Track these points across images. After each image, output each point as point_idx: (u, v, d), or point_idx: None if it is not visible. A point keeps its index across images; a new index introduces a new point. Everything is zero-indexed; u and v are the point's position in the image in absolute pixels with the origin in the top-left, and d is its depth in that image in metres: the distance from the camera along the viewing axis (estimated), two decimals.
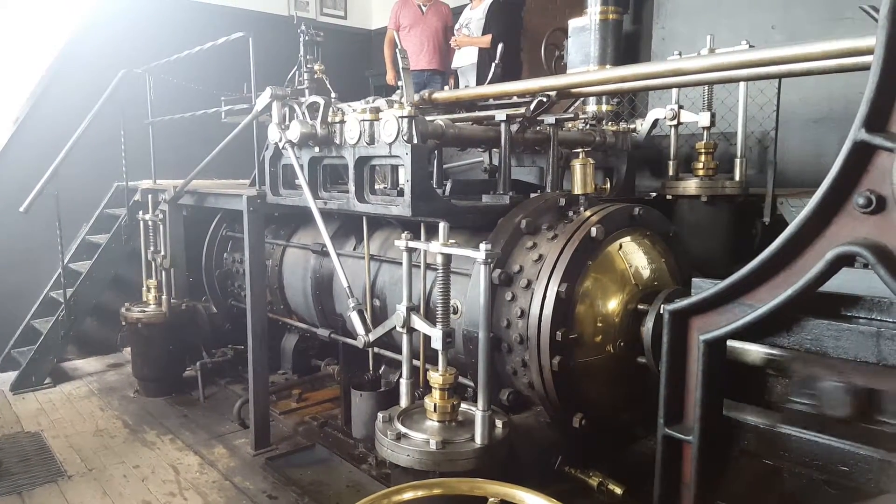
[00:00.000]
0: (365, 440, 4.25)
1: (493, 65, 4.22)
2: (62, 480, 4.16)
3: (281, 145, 3.97)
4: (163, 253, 5.60)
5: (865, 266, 1.77)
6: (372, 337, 3.41)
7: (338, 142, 3.75)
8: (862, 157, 1.75)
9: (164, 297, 5.63)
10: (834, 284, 1.90)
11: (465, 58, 7.51)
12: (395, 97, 3.52)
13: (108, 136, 6.07)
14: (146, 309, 5.67)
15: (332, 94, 4.08)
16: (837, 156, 1.76)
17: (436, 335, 2.83)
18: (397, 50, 3.44)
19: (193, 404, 5.49)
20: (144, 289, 5.82)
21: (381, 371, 4.48)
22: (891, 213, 1.71)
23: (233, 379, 5.88)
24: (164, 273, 5.61)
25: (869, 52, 1.92)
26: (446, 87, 7.45)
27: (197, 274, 6.21)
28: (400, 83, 3.42)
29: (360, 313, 3.52)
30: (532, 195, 3.75)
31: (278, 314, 5.39)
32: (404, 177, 3.40)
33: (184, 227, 5.92)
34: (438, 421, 2.86)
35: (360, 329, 3.48)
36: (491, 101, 4.14)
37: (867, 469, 1.93)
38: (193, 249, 6.15)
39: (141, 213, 5.79)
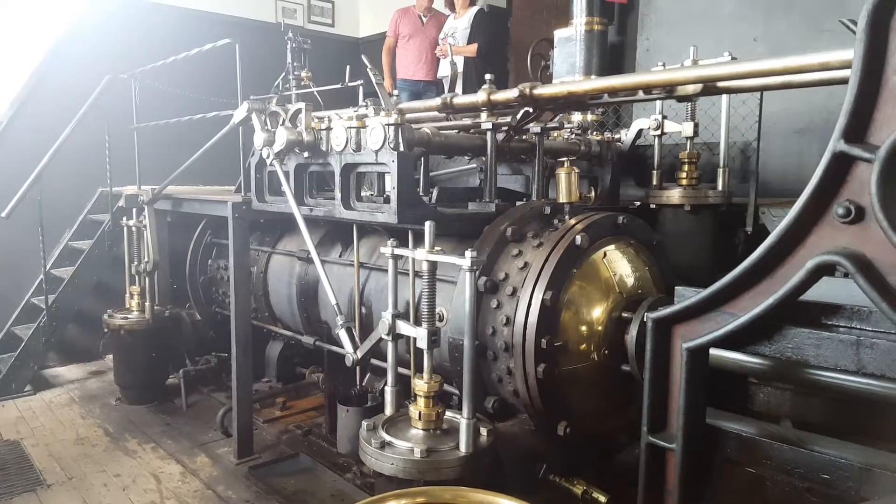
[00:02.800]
0: (351, 456, 4.22)
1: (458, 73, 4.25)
2: (41, 490, 4.10)
3: (268, 161, 3.96)
4: (146, 259, 5.56)
5: (846, 275, 1.79)
6: (360, 353, 3.42)
7: (324, 149, 3.75)
8: (841, 167, 1.78)
9: (147, 303, 5.58)
10: (815, 293, 1.92)
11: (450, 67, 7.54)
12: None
13: (93, 142, 6.02)
14: (129, 315, 5.62)
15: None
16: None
17: (421, 334, 2.83)
18: (368, 69, 3.46)
19: (176, 412, 5.44)
20: (127, 295, 5.77)
21: (366, 378, 4.46)
22: (869, 223, 1.74)
23: (216, 387, 5.84)
24: (147, 279, 5.57)
25: (847, 65, 1.95)
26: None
27: (181, 281, 6.17)
28: (393, 92, 3.44)
29: (349, 331, 3.52)
30: (518, 203, 3.77)
31: (263, 321, 5.37)
32: (390, 184, 3.40)
33: (168, 234, 5.89)
34: (423, 429, 2.86)
35: (348, 347, 3.48)
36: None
37: (847, 477, 1.95)
38: (178, 256, 6.11)
39: (125, 218, 5.75)
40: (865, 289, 1.72)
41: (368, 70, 3.46)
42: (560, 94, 3.39)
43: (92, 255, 6.27)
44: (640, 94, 3.53)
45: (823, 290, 1.96)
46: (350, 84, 5.26)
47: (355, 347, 3.46)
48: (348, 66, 5.47)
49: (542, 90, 3.39)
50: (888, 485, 1.84)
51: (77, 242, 6.55)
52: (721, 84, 3.32)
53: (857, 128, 1.74)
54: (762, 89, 3.55)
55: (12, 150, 6.38)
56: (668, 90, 3.40)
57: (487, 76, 3.79)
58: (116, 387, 5.78)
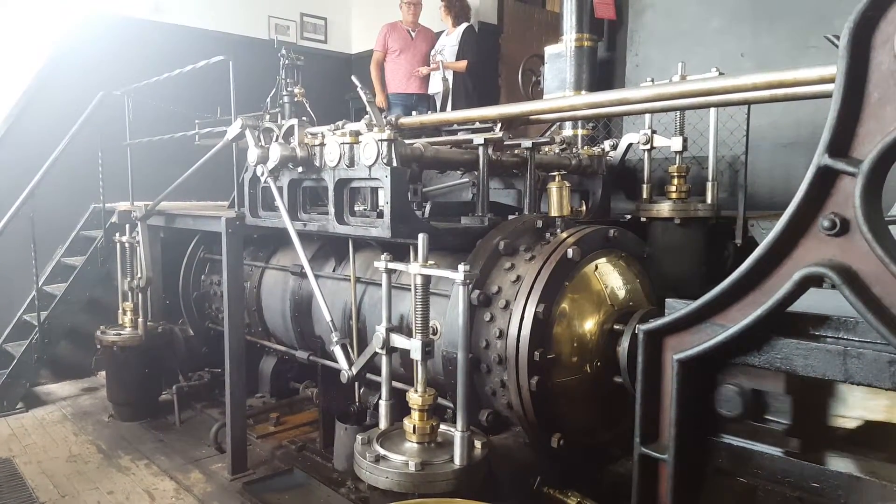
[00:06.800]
0: (348, 473, 4.20)
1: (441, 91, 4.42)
2: None
3: (262, 179, 3.98)
4: (139, 275, 5.56)
5: (833, 286, 1.82)
6: (355, 370, 3.43)
7: (318, 164, 3.78)
8: (826, 181, 1.81)
9: (140, 319, 5.57)
10: (803, 304, 1.96)
11: (440, 83, 7.61)
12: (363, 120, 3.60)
13: (86, 158, 6.04)
14: (122, 332, 5.60)
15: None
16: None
17: (415, 345, 2.85)
18: (359, 88, 3.51)
19: (169, 429, 5.42)
20: (120, 311, 5.76)
21: (361, 392, 4.46)
22: (854, 235, 1.77)
23: (209, 403, 5.82)
24: (140, 295, 5.57)
25: (831, 80, 2.00)
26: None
27: (174, 296, 6.16)
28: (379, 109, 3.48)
29: (344, 347, 3.54)
30: (510, 217, 3.80)
31: (256, 336, 5.37)
32: (384, 199, 3.43)
33: (161, 250, 5.89)
34: (417, 442, 2.87)
35: (343, 364, 3.50)
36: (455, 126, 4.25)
37: (837, 486, 1.97)
38: (171, 272, 6.11)
39: (117, 235, 5.75)
40: (851, 300, 1.75)
41: (359, 89, 3.50)
42: (415, 124, 4.23)
43: (84, 272, 6.27)
44: (477, 124, 4.14)
45: (811, 302, 1.99)
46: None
47: (350, 364, 3.48)
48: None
49: (404, 120, 4.21)
50: (876, 493, 1.87)
51: (70, 259, 6.54)
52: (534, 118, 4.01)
53: (841, 142, 1.78)
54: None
55: (5, 167, 6.38)
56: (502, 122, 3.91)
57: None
58: (109, 403, 5.75)
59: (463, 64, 7.26)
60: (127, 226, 5.66)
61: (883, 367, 1.82)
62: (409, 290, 3.55)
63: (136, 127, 5.96)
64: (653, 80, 4.28)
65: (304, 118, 4.00)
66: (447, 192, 5.20)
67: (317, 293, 3.76)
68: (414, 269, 2.86)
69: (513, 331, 3.13)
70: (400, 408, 3.07)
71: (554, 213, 3.56)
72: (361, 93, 3.42)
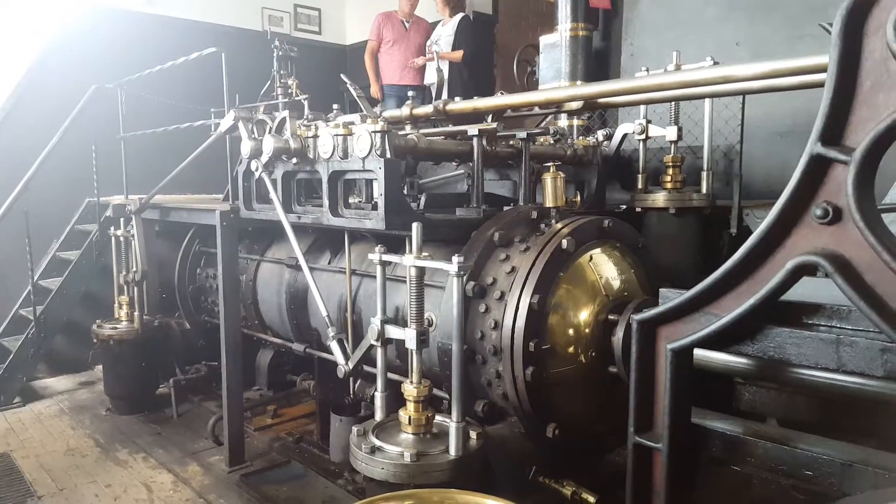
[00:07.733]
0: (343, 465, 4.22)
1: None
2: (32, 502, 4.08)
3: (256, 173, 3.97)
4: (134, 268, 5.55)
5: (826, 275, 1.82)
6: (351, 364, 3.44)
7: (311, 156, 3.77)
8: (818, 169, 1.81)
9: (136, 313, 5.57)
10: (796, 293, 1.95)
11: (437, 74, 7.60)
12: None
13: (80, 152, 6.01)
14: (118, 326, 5.61)
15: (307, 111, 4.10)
16: None
17: (409, 335, 2.85)
18: (348, 85, 3.50)
19: (166, 422, 5.43)
20: (116, 305, 5.76)
21: (357, 384, 4.47)
22: (847, 224, 1.77)
23: (207, 396, 5.83)
24: (136, 289, 5.56)
25: (824, 69, 1.99)
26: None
27: (170, 290, 6.15)
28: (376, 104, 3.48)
29: (340, 342, 3.54)
30: (505, 208, 3.80)
31: (252, 329, 5.37)
32: (378, 191, 3.43)
33: (156, 243, 5.88)
34: (413, 433, 2.87)
35: (340, 359, 3.50)
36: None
37: (830, 473, 1.98)
38: (166, 265, 6.10)
39: (112, 228, 5.74)
40: (843, 288, 1.75)
41: (348, 85, 3.49)
42: (466, 109, 4.07)
43: (80, 266, 6.26)
44: (536, 109, 4.00)
45: (804, 290, 1.99)
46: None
47: (347, 358, 3.48)
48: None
49: (453, 106, 4.06)
50: (868, 480, 1.87)
51: (65, 253, 6.53)
52: (601, 100, 3.90)
53: (834, 131, 1.77)
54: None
55: None
56: (557, 106, 3.85)
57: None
58: (106, 397, 5.76)
59: (459, 54, 7.24)
60: (122, 219, 5.64)
61: (875, 356, 1.82)
62: (404, 281, 3.56)
63: (129, 120, 5.93)
64: (648, 70, 4.27)
65: (319, 114, 3.99)
66: (442, 184, 5.20)
67: (312, 286, 3.76)
68: (408, 261, 2.85)
69: (508, 322, 3.13)
70: (396, 399, 3.08)
71: (549, 203, 3.56)
72: (351, 88, 3.41)
